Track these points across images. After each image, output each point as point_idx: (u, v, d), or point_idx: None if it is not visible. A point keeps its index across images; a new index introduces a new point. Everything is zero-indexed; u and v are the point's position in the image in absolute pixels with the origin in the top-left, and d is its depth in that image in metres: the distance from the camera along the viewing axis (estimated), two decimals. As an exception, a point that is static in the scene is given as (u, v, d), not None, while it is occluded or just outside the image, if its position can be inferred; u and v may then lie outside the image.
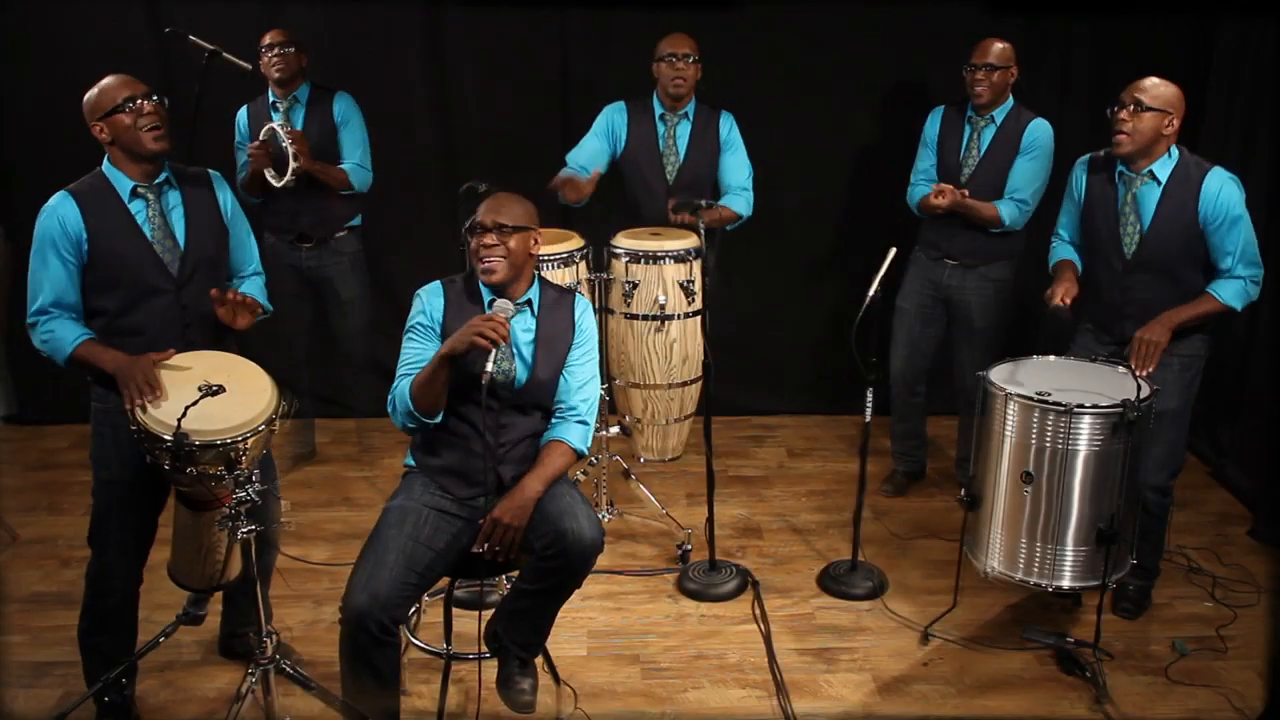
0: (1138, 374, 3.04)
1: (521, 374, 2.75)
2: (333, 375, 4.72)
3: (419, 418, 2.65)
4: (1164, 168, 3.14)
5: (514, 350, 2.75)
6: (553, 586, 2.66)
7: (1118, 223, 3.20)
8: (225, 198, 2.91)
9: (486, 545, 2.60)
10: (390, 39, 4.70)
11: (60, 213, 2.66)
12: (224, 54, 3.80)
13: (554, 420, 2.80)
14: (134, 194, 2.73)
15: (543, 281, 2.87)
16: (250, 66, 3.83)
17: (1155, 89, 3.08)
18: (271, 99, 4.13)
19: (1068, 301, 3.20)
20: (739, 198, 4.10)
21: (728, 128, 4.15)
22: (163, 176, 2.77)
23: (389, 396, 2.71)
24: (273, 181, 3.89)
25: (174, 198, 2.80)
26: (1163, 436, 3.23)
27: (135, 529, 2.85)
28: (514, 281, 2.74)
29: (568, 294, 2.87)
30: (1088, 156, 3.33)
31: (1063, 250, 3.44)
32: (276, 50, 4.04)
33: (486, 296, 2.75)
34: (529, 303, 2.78)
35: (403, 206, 4.79)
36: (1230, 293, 3.15)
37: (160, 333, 2.72)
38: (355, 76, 4.70)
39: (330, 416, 4.96)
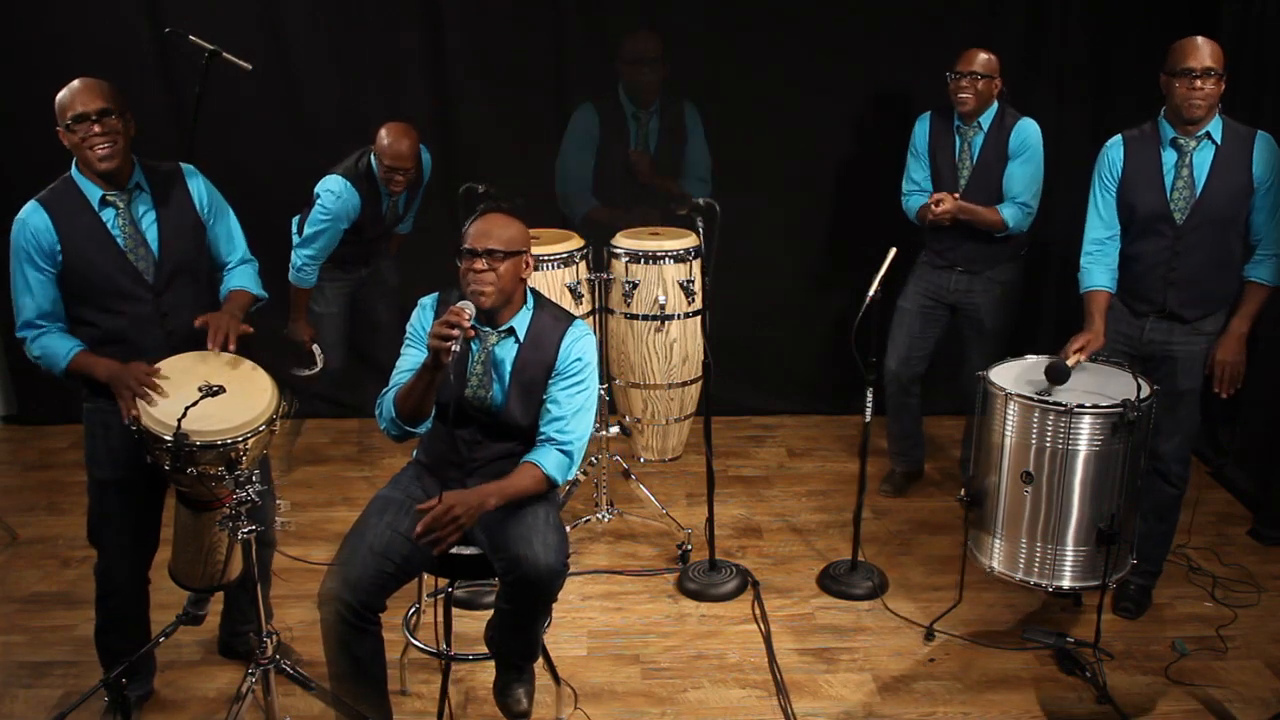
0: (1223, 395, 3.15)
1: (499, 398, 2.70)
2: (335, 375, 4.71)
3: (401, 425, 2.64)
4: (1216, 128, 3.14)
5: (494, 375, 2.70)
6: (521, 608, 2.65)
7: (1167, 190, 3.17)
8: (199, 191, 2.84)
9: (420, 525, 2.47)
10: (389, 37, 4.69)
11: (32, 224, 2.63)
12: (224, 54, 3.79)
13: (536, 444, 2.70)
14: (103, 202, 2.68)
15: (540, 304, 2.78)
16: (250, 67, 3.82)
17: (1216, 53, 3.05)
18: (383, 192, 3.95)
19: (1083, 358, 3.13)
20: (698, 186, 4.15)
21: (694, 119, 4.19)
22: (132, 182, 2.72)
23: (377, 403, 2.70)
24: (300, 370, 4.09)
25: (145, 202, 2.73)
26: (1194, 412, 3.30)
27: (132, 528, 2.85)
28: (502, 307, 2.67)
29: (563, 322, 2.75)
30: (1120, 137, 3.27)
31: (1097, 275, 3.28)
32: (399, 176, 3.83)
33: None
34: (511, 330, 2.70)
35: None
36: (1269, 272, 3.18)
37: (142, 339, 2.71)
38: (354, 75, 4.71)
39: (330, 416, 4.96)
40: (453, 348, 2.43)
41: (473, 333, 2.50)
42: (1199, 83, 3.04)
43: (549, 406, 2.70)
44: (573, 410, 2.69)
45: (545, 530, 2.59)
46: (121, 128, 2.64)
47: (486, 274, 2.59)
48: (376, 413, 2.70)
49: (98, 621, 2.96)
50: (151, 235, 2.73)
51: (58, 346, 2.67)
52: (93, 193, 2.68)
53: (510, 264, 2.62)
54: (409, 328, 2.78)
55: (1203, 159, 3.14)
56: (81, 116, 2.58)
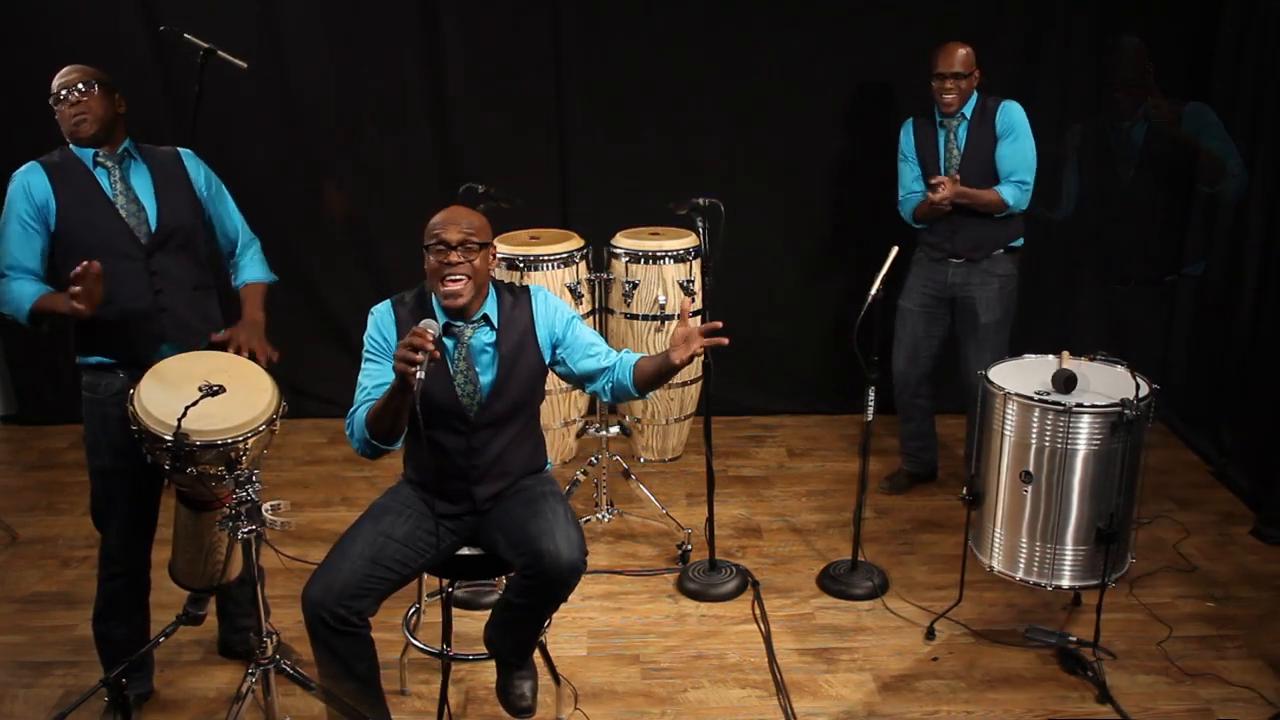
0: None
1: (488, 382, 2.66)
2: (334, 375, 4.71)
3: (375, 444, 2.57)
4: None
5: (476, 371, 2.65)
6: (536, 603, 2.64)
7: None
8: (199, 174, 2.95)
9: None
10: (387, 36, 4.69)
11: (27, 179, 2.74)
12: (219, 52, 3.79)
13: (616, 363, 2.69)
14: (95, 162, 2.78)
15: (498, 286, 2.74)
16: (245, 65, 3.82)
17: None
18: None
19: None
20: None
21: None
22: (122, 149, 2.82)
23: (347, 421, 2.63)
24: None
25: (139, 169, 2.84)
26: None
27: (133, 513, 2.88)
28: (473, 300, 2.63)
29: (523, 294, 2.74)
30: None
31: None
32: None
33: (441, 318, 2.63)
34: (485, 318, 2.66)
35: (400, 207, 4.78)
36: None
37: (131, 301, 2.75)
38: (352, 76, 4.71)
39: (330, 417, 4.96)
40: (418, 374, 2.35)
41: (437, 354, 2.39)
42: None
43: (591, 353, 2.70)
44: (590, 337, 2.74)
45: (566, 526, 2.57)
46: (99, 99, 2.75)
47: (462, 266, 2.55)
48: (348, 432, 2.62)
49: (97, 607, 2.95)
50: (146, 198, 2.82)
51: (23, 290, 2.72)
52: (86, 154, 2.79)
53: (483, 256, 2.60)
54: (366, 339, 2.68)
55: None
56: (62, 88, 2.75)
